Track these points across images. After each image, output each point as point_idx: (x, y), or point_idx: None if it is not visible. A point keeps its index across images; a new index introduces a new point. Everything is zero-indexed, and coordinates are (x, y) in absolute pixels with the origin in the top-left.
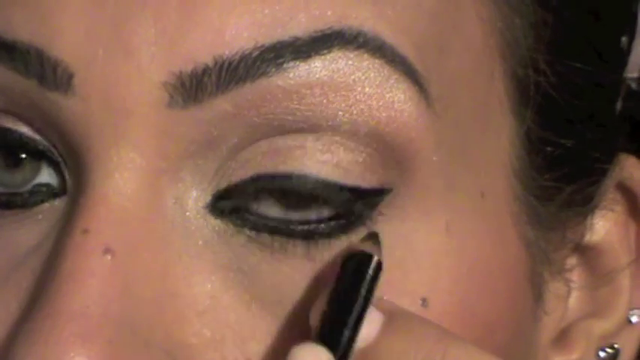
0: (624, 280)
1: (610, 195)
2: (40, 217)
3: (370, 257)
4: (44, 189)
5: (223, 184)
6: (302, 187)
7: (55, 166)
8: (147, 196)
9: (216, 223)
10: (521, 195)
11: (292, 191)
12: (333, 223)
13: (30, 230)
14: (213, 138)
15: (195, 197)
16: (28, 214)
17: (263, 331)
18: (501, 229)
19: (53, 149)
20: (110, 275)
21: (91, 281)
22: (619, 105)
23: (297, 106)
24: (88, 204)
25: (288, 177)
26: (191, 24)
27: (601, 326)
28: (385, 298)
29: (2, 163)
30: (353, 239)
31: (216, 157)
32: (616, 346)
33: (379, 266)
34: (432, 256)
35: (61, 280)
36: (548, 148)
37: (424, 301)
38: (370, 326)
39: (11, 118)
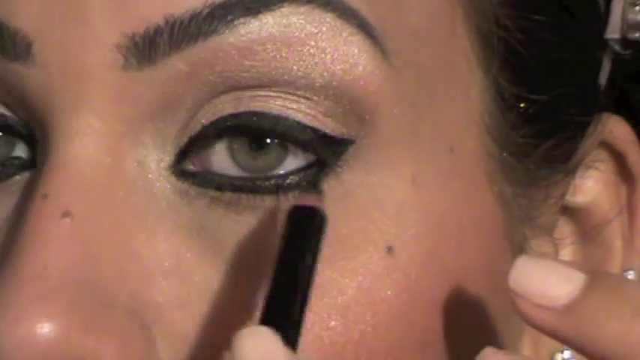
0: (616, 242)
1: (595, 154)
2: (12, 189)
3: (314, 210)
4: (16, 162)
5: (184, 140)
6: (265, 124)
7: (26, 140)
8: (107, 160)
9: (178, 184)
10: (496, 152)
11: (255, 132)
12: (300, 174)
13: (3, 203)
14: (170, 99)
15: (158, 159)
16: (1, 186)
17: (230, 287)
18: (473, 186)
19: (24, 124)
20: (69, 238)
21: (50, 244)
22: (606, 65)
23: (250, 63)
24: (48, 170)
25: (251, 114)
26: None
27: None
28: (350, 244)
29: None
30: (324, 187)
31: (175, 119)
32: None
33: (323, 219)
34: (398, 207)
35: (21, 243)
36: (522, 105)
37: (390, 249)
38: (571, 285)
39: None
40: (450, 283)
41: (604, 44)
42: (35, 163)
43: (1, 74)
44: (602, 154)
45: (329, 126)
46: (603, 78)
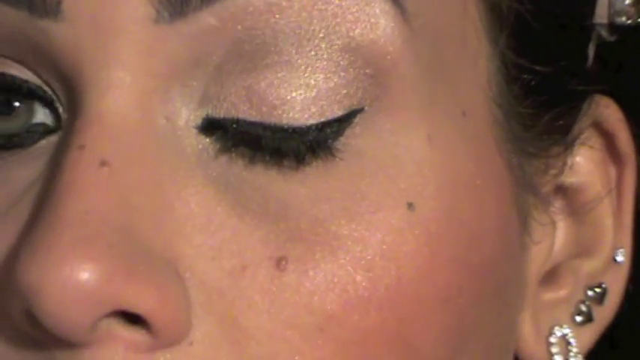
0: (607, 221)
1: (588, 134)
2: (37, 154)
3: None
4: (40, 128)
5: (212, 102)
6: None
7: (49, 105)
8: (138, 114)
9: (206, 141)
10: (502, 120)
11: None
12: (320, 131)
13: (28, 167)
14: (199, 54)
15: (186, 117)
16: (25, 152)
17: (257, 240)
18: (484, 149)
19: (46, 87)
20: (107, 185)
21: (89, 191)
22: (591, 50)
23: (277, 19)
24: (82, 122)
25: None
26: None
27: (588, 265)
28: (371, 199)
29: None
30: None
31: (203, 77)
32: (604, 285)
33: None
34: (415, 165)
35: (60, 191)
36: (525, 76)
37: (410, 205)
38: None
39: (4, 60)
40: (468, 241)
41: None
42: (60, 128)
43: (28, 32)
44: (594, 134)
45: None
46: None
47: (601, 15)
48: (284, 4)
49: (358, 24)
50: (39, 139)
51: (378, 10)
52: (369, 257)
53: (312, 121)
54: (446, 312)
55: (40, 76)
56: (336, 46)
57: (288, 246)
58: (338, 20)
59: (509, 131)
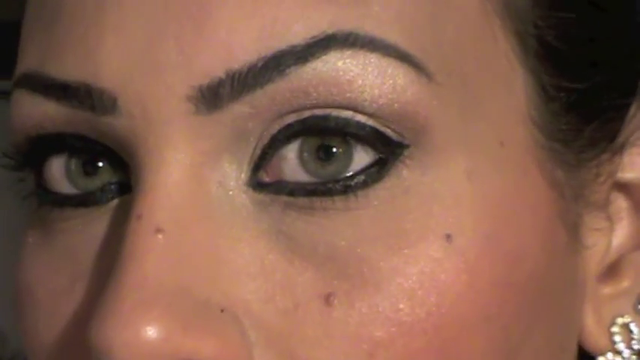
0: None
1: None
2: (112, 212)
3: None
4: (113, 187)
5: (257, 153)
6: (330, 124)
7: (121, 168)
8: (191, 183)
9: (256, 195)
10: (543, 141)
11: (321, 133)
12: (365, 173)
13: (105, 224)
14: (240, 132)
15: (236, 177)
16: (102, 210)
17: (307, 280)
18: (524, 173)
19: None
20: (163, 251)
21: (147, 257)
22: None
23: (304, 102)
24: (139, 194)
25: (315, 118)
26: (204, 43)
27: None
28: (412, 235)
29: (81, 170)
30: (387, 184)
31: (248, 145)
32: None
33: None
34: (454, 199)
35: (122, 259)
36: (562, 94)
37: (448, 237)
38: None
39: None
40: (509, 262)
41: None
42: (128, 189)
43: (94, 125)
44: None
45: (386, 132)
46: None
47: None
48: (309, 90)
49: (385, 95)
50: (112, 198)
51: (401, 82)
52: (409, 287)
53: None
54: (490, 329)
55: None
56: (369, 110)
57: (335, 283)
58: (365, 96)
59: (551, 150)
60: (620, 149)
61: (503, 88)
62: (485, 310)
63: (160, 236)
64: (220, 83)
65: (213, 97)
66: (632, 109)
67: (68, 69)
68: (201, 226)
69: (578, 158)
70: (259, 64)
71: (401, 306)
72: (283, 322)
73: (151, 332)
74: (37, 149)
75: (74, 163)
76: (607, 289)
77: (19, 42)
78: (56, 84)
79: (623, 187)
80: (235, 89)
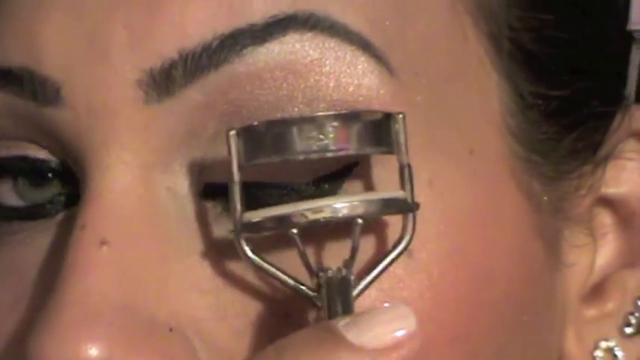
0: None
1: (628, 145)
2: (59, 223)
3: None
4: (62, 198)
5: (209, 169)
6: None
7: (68, 180)
8: (139, 189)
9: (207, 206)
10: (519, 150)
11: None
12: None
13: (50, 236)
14: (192, 128)
15: (188, 185)
16: (50, 222)
17: (265, 298)
18: (497, 184)
19: (63, 164)
20: (107, 264)
21: (90, 270)
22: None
23: (260, 91)
24: (84, 202)
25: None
26: (156, 22)
27: (637, 276)
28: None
29: (29, 184)
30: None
31: (200, 146)
32: None
33: None
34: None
35: (63, 272)
36: (541, 102)
37: (408, 252)
38: None
39: (23, 144)
40: (477, 279)
41: (628, 36)
42: (78, 200)
43: (36, 119)
44: (635, 145)
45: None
46: (633, 69)
47: (637, 20)
48: (265, 75)
49: (341, 87)
50: (60, 210)
51: (360, 71)
52: (369, 306)
53: (307, 179)
54: (457, 351)
55: (55, 155)
56: (320, 110)
57: (291, 302)
58: (319, 86)
59: (528, 160)
60: (604, 162)
61: (475, 93)
62: (453, 331)
63: (104, 248)
64: (173, 64)
65: (164, 80)
66: (616, 119)
67: (10, 54)
68: (149, 238)
69: (558, 170)
70: (214, 43)
71: None
72: (236, 343)
73: (92, 351)
74: None
75: (21, 180)
76: (591, 311)
77: None
78: None
79: (607, 203)
80: (189, 71)
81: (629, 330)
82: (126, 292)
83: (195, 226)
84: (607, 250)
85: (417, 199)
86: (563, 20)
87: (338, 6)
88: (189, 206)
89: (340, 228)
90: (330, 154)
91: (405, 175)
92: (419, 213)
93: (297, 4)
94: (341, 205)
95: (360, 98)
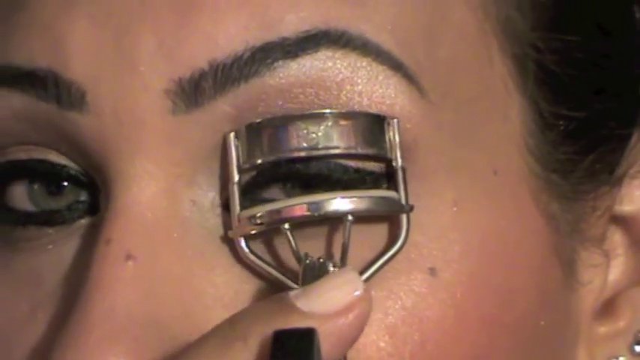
0: None
1: None
2: (78, 232)
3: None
4: (80, 206)
5: None
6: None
7: (88, 187)
8: (164, 202)
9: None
10: (539, 170)
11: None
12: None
13: (68, 246)
14: (218, 141)
15: (212, 198)
16: (69, 230)
17: None
18: (518, 204)
19: (83, 173)
20: (133, 279)
21: (115, 286)
22: None
23: (290, 105)
24: (110, 216)
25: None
26: (186, 32)
27: None
28: (394, 266)
29: (45, 190)
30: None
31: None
32: None
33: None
34: (439, 230)
35: (88, 288)
36: (561, 122)
37: (432, 271)
38: None
39: (43, 148)
40: (499, 299)
41: None
42: (98, 208)
43: (59, 123)
44: None
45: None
46: None
47: None
48: (295, 90)
49: (374, 106)
50: (79, 217)
51: (393, 92)
52: (391, 323)
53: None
54: None
55: (76, 162)
56: None
57: None
58: (352, 104)
59: (547, 180)
60: (619, 182)
61: (499, 113)
62: (474, 351)
63: (130, 263)
64: (202, 75)
65: (193, 91)
66: (633, 140)
67: (34, 56)
68: (174, 253)
69: (576, 190)
70: (245, 55)
71: (382, 344)
72: None
73: None
74: None
75: (37, 185)
76: (602, 329)
77: None
78: (22, 72)
79: (620, 221)
80: (219, 82)
81: (638, 348)
82: (151, 308)
83: (219, 240)
84: (618, 268)
85: (441, 219)
86: (587, 42)
87: (370, 26)
88: (213, 220)
89: (335, 227)
90: (320, 152)
91: (399, 177)
92: (443, 233)
93: (330, 22)
94: (331, 200)
95: (392, 118)
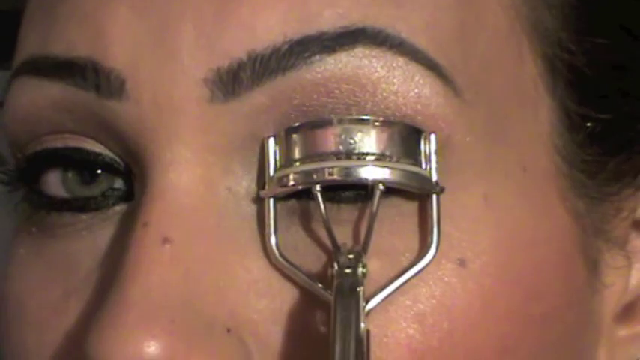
0: None
1: None
2: (112, 219)
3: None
4: (115, 193)
5: None
6: None
7: (123, 175)
8: (200, 188)
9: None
10: (566, 170)
11: None
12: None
13: (103, 232)
14: (254, 131)
15: (247, 186)
16: (103, 216)
17: (320, 301)
18: (546, 202)
19: (119, 160)
20: (170, 262)
21: (152, 269)
22: None
23: (326, 99)
24: (146, 200)
25: None
26: (226, 23)
27: None
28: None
29: (79, 179)
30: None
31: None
32: None
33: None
34: (470, 223)
35: (125, 270)
36: (588, 124)
37: (461, 262)
38: None
39: (79, 137)
40: (526, 293)
41: None
42: (132, 195)
43: (97, 111)
44: None
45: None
46: None
47: None
48: (331, 85)
49: (409, 105)
50: (114, 204)
51: (428, 92)
52: (419, 310)
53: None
54: None
55: (112, 150)
56: (390, 120)
57: None
58: (388, 102)
59: (573, 180)
60: None
61: (529, 112)
62: (502, 342)
63: (167, 246)
64: (241, 65)
65: (231, 81)
66: None
67: (74, 45)
68: (210, 237)
69: (601, 192)
70: (283, 48)
71: (411, 331)
72: (290, 345)
73: (153, 348)
74: (31, 166)
75: (71, 173)
76: (622, 332)
77: (19, 33)
78: (61, 61)
79: None
80: (256, 73)
81: None
82: (187, 290)
83: (253, 227)
84: (639, 272)
85: (472, 212)
86: (614, 44)
87: (406, 25)
88: (248, 208)
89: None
90: (354, 158)
91: (434, 203)
92: (473, 226)
93: (368, 19)
94: (364, 167)
95: (426, 116)
